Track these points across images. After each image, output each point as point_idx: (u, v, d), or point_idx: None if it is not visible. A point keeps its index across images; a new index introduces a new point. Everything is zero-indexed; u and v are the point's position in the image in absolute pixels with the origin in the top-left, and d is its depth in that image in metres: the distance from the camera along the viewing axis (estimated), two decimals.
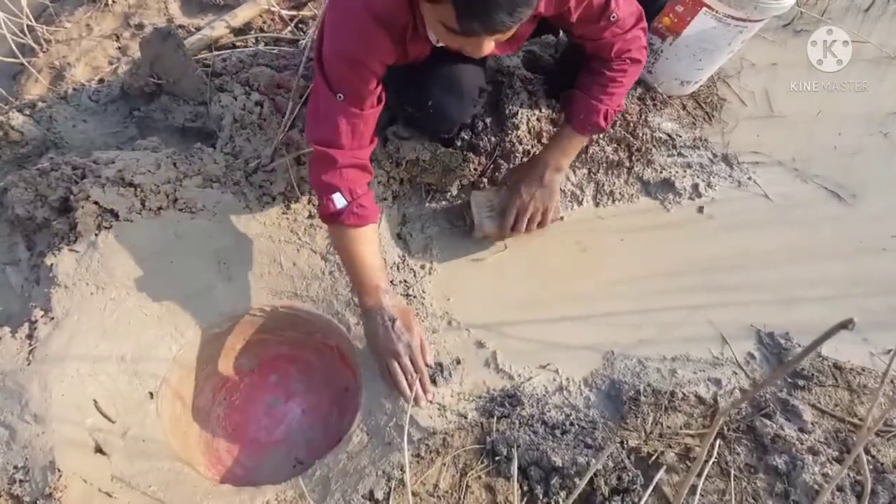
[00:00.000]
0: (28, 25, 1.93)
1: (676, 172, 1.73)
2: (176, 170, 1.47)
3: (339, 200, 1.22)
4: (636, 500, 1.12)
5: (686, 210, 1.70)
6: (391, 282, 1.44)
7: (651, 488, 0.95)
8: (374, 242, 1.31)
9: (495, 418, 1.25)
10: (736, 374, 1.39)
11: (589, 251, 1.60)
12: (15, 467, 1.11)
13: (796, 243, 1.65)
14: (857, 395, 1.35)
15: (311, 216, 1.54)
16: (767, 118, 1.92)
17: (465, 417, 1.27)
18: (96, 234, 1.35)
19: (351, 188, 1.23)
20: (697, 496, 1.13)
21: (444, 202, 1.64)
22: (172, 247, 1.39)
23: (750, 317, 1.49)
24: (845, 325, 0.45)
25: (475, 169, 1.60)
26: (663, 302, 1.51)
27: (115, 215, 1.38)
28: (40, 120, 1.62)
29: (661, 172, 1.73)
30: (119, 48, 1.99)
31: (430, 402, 1.27)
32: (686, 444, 1.24)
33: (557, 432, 1.23)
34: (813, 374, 1.37)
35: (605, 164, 1.69)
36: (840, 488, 1.18)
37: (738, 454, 1.23)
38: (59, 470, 1.10)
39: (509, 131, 1.60)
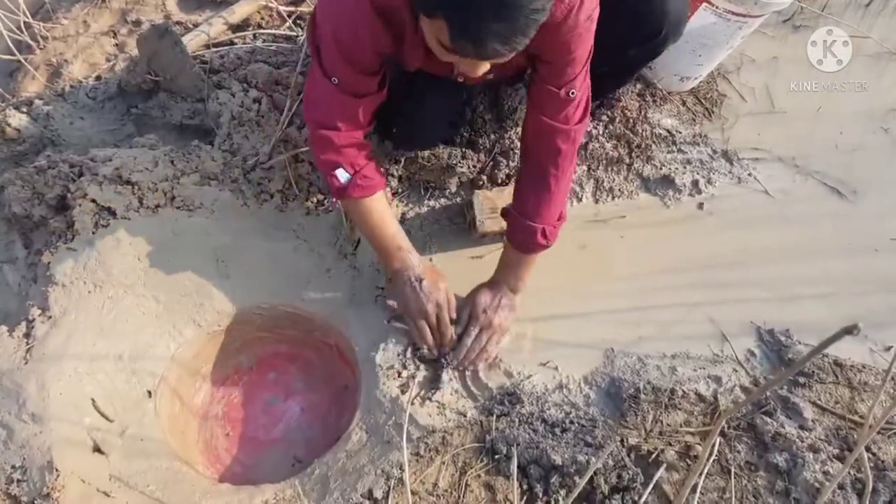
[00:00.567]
0: (25, 22, 1.92)
1: (676, 169, 1.73)
2: (174, 167, 1.46)
3: (342, 175, 1.23)
4: (636, 498, 1.12)
5: (686, 207, 1.70)
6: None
7: (651, 486, 0.95)
8: (385, 209, 1.31)
9: (495, 416, 1.25)
10: (736, 371, 1.38)
11: (588, 248, 1.60)
12: (12, 467, 1.10)
13: (797, 240, 1.65)
14: (858, 393, 1.34)
15: (309, 213, 1.53)
16: (767, 114, 1.91)
17: (465, 416, 1.26)
18: (94, 233, 1.34)
19: (352, 161, 1.23)
20: (698, 494, 1.13)
21: (443, 200, 1.63)
22: (170, 245, 1.39)
23: (750, 314, 1.49)
24: (850, 330, 0.44)
25: (474, 166, 1.60)
26: (663, 299, 1.51)
27: (113, 213, 1.37)
28: (37, 117, 1.61)
29: (661, 169, 1.72)
30: (116, 45, 1.98)
31: (453, 364, 1.32)
32: (686, 442, 1.23)
33: (557, 430, 1.23)
34: (813, 372, 1.37)
35: (604, 161, 1.69)
36: (841, 486, 1.18)
37: (738, 452, 1.23)
38: (56, 469, 1.09)
39: (508, 128, 1.59)
